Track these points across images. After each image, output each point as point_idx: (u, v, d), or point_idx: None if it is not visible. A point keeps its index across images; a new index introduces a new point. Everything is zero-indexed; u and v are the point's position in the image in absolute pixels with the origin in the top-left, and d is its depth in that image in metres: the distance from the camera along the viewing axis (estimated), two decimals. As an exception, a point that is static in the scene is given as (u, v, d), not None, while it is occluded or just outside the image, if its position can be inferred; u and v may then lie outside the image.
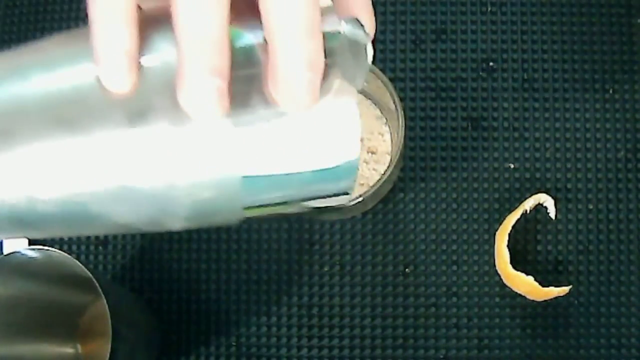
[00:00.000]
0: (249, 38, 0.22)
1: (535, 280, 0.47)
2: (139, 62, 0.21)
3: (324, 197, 0.24)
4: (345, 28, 0.22)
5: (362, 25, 0.23)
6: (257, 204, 0.23)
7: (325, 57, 0.22)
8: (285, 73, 0.21)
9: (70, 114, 0.21)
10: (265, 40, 0.22)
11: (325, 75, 0.22)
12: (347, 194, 0.25)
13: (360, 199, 0.43)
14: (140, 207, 0.22)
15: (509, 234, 0.48)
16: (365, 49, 0.22)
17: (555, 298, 0.48)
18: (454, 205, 0.52)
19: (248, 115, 0.21)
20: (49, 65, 0.21)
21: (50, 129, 0.21)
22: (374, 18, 0.25)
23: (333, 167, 0.23)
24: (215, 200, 0.22)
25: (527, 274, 0.47)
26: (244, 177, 0.22)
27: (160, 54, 0.21)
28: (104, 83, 0.21)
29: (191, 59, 0.20)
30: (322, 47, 0.22)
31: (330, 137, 0.22)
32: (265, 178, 0.22)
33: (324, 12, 0.22)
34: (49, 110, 0.21)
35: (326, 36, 0.22)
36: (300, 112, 0.22)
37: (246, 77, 0.22)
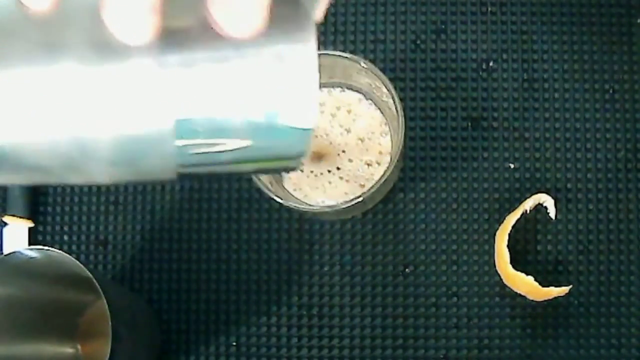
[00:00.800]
0: None
1: (535, 280, 0.47)
2: None
3: (270, 160, 0.21)
4: None
5: None
6: (191, 153, 0.20)
7: None
8: None
9: None
10: None
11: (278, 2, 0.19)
12: (298, 159, 0.21)
13: (360, 199, 0.43)
14: (56, 144, 0.19)
15: (509, 234, 0.48)
16: None
17: (555, 298, 0.48)
18: (454, 205, 0.52)
19: (180, 48, 0.19)
20: None
21: None
22: None
23: (279, 122, 0.20)
24: (141, 143, 0.20)
25: (527, 274, 0.47)
26: (176, 120, 0.19)
27: None
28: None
29: None
30: None
31: (280, 81, 0.19)
32: (199, 123, 0.19)
33: None
34: None
35: None
36: (243, 38, 0.19)
37: (185, 5, 0.19)
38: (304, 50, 0.19)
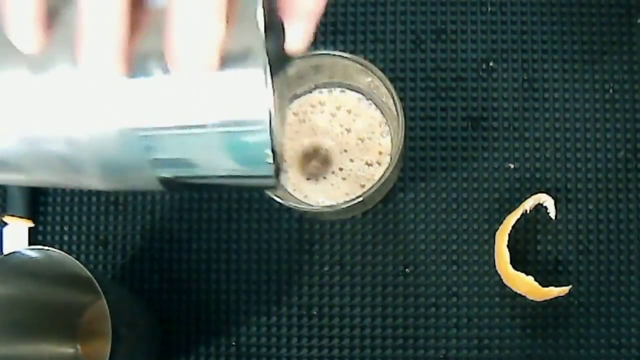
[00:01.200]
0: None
1: (535, 280, 0.47)
2: (47, 24, 0.21)
3: (238, 177, 0.23)
4: None
5: None
6: (164, 165, 0.23)
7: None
8: (176, 36, 0.21)
9: None
10: None
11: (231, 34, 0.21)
12: (268, 178, 0.23)
13: (360, 199, 0.43)
14: (52, 165, 0.23)
15: (509, 234, 0.48)
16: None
17: (555, 298, 0.48)
18: (454, 205, 0.52)
19: (146, 70, 0.21)
20: None
21: None
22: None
23: (236, 132, 0.22)
24: (119, 158, 0.22)
25: (527, 274, 0.47)
26: (142, 133, 0.22)
27: (65, 14, 0.22)
28: (15, 45, 0.21)
29: (88, 22, 0.21)
30: (222, 11, 0.21)
31: (233, 96, 0.21)
32: (163, 135, 0.22)
33: None
34: None
35: None
36: (192, 76, 0.21)
37: (151, 36, 0.21)
38: (249, 77, 0.21)
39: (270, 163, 0.22)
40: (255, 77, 0.21)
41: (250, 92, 0.21)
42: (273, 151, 0.22)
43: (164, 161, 0.23)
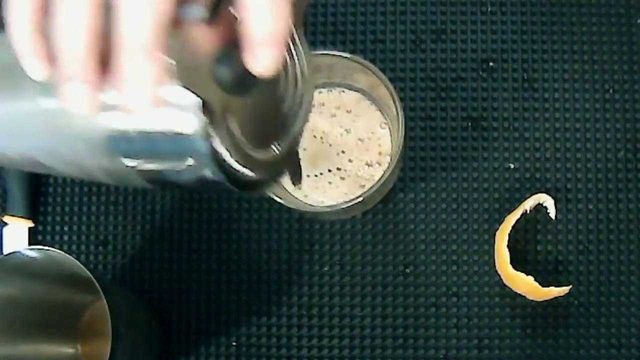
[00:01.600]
0: None
1: (535, 280, 0.47)
2: (50, 57, 0.26)
3: (188, 178, 0.28)
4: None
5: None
6: (134, 163, 0.28)
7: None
8: (125, 85, 0.25)
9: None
10: None
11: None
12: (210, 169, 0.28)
13: (360, 199, 0.43)
14: (67, 166, 0.29)
15: (509, 234, 0.48)
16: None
17: (555, 298, 0.48)
18: (454, 205, 0.52)
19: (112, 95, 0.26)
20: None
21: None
22: (272, 17, 0.25)
23: (174, 137, 0.27)
24: (110, 167, 0.28)
25: (527, 274, 0.47)
26: (114, 147, 0.27)
27: None
28: (28, 74, 0.26)
29: (62, 64, 0.25)
30: (161, 64, 0.24)
31: (172, 113, 0.26)
32: (133, 143, 0.27)
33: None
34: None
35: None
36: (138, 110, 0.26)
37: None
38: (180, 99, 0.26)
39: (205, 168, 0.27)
40: (181, 98, 0.26)
41: (181, 108, 0.26)
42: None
43: (140, 166, 0.28)
